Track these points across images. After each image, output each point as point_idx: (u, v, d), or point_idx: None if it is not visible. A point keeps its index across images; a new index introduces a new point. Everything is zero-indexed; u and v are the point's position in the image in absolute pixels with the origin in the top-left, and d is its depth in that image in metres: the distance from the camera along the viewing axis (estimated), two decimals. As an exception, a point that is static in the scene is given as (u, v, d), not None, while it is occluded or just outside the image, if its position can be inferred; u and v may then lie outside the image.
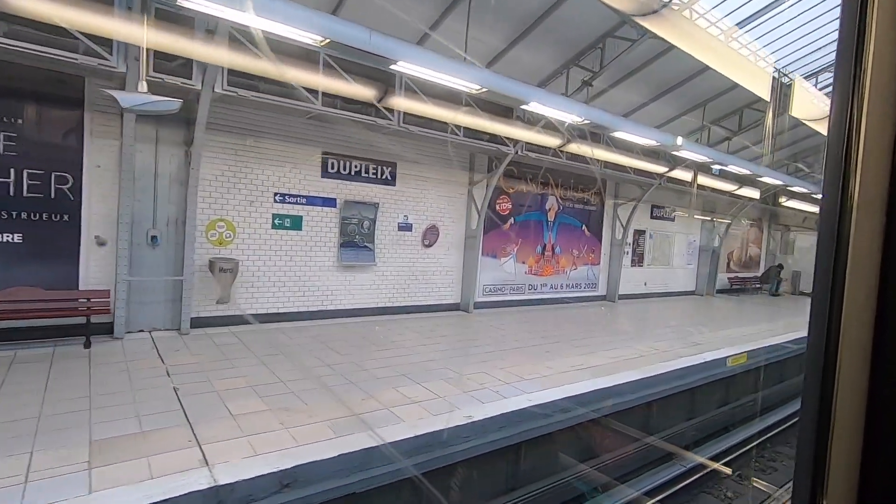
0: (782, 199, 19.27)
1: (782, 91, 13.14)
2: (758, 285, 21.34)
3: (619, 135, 9.72)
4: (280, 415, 4.88)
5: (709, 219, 18.11)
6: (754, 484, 6.75)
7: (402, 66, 6.33)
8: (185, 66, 6.50)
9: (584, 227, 14.04)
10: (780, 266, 21.53)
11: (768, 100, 12.63)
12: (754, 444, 7.49)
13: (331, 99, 7.72)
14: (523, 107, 7.90)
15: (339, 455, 4.17)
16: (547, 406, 5.73)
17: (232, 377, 5.84)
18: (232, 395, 5.27)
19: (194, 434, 4.32)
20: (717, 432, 8.04)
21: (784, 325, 12.71)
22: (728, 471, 6.77)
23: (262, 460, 3.96)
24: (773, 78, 12.96)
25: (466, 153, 10.87)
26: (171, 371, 5.89)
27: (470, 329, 9.69)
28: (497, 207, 11.87)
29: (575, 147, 10.60)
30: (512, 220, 12.25)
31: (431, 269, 10.76)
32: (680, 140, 10.14)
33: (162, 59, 6.34)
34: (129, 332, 7.31)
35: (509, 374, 6.71)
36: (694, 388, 8.10)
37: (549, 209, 13.09)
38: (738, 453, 7.20)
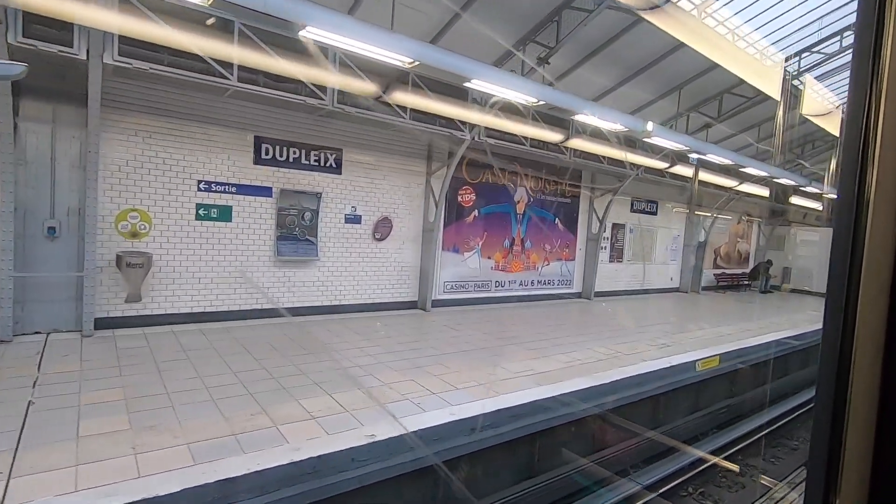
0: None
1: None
2: (746, 282, 20.67)
3: (582, 119, 8.93)
4: (140, 436, 4.12)
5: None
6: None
7: (312, 33, 5.54)
8: (70, 32, 5.71)
9: (556, 220, 13.26)
10: (770, 262, 20.86)
11: (748, 82, 11.82)
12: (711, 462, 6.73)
13: (252, 75, 6.94)
14: (466, 85, 7.10)
15: (182, 490, 3.42)
16: (469, 421, 4.99)
17: (109, 388, 5.08)
18: (95, 412, 4.51)
19: (13, 463, 3.57)
20: (686, 443, 7.32)
21: (765, 325, 11.98)
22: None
23: (79, 499, 3.21)
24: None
25: (423, 140, 10.06)
26: (40, 381, 5.13)
27: (419, 330, 8.93)
28: (460, 199, 11.09)
29: (538, 132, 9.80)
30: (476, 212, 11.47)
31: (383, 265, 9.99)
32: (650, 125, 9.36)
33: (45, 26, 5.54)
34: (22, 335, 6.55)
35: (441, 383, 5.97)
36: (657, 396, 7.37)
37: (519, 201, 12.30)
38: (706, 465, 6.49)
